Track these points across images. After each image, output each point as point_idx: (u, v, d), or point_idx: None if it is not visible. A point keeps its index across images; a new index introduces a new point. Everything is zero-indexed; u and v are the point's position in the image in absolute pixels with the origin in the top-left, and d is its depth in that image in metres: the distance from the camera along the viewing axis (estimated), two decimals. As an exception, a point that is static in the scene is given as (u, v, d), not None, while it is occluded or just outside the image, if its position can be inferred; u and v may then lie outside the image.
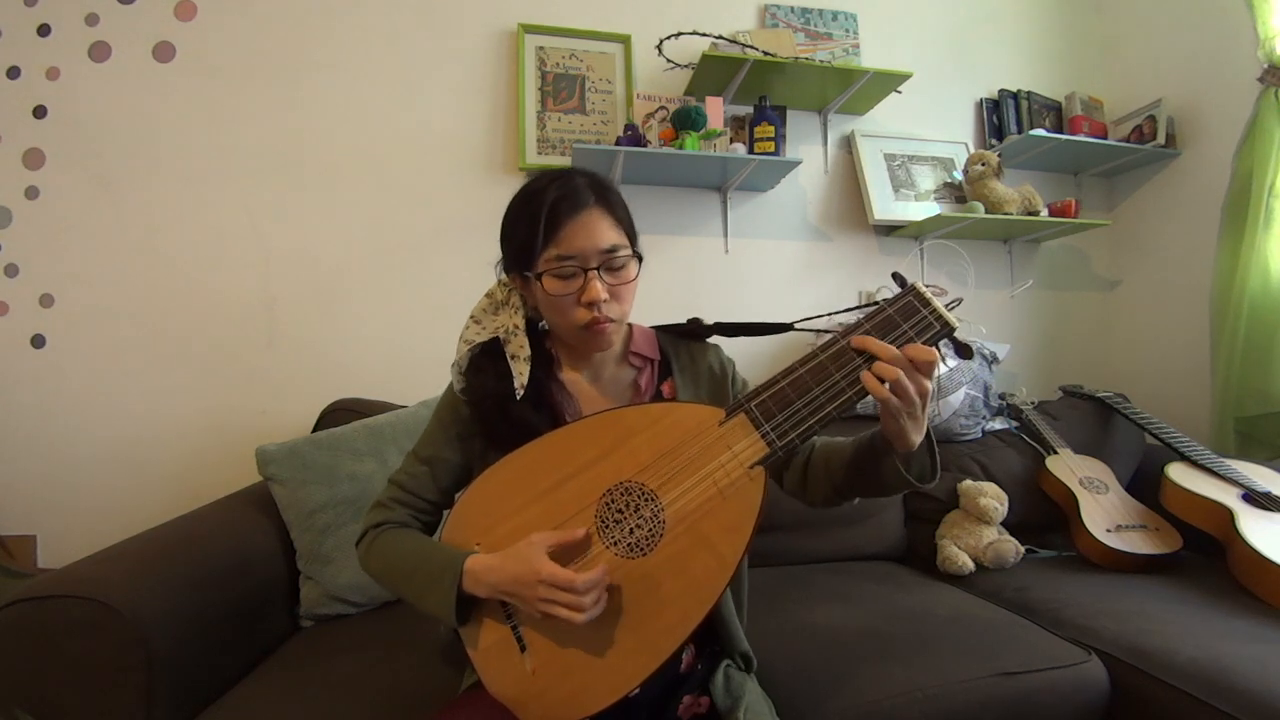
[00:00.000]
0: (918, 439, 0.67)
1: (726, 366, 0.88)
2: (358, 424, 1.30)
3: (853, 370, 0.65)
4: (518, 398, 0.75)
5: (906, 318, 0.65)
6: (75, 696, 0.79)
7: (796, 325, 0.82)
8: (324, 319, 1.61)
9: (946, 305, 0.65)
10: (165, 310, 1.54)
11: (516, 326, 0.79)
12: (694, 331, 0.87)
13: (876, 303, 0.67)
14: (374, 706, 0.86)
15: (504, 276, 0.82)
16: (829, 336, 0.68)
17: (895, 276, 0.69)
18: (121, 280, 1.53)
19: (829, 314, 0.89)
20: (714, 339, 0.89)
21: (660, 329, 0.89)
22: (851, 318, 0.71)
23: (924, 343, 0.63)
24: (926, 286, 0.65)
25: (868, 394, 0.64)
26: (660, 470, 0.70)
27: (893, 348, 0.62)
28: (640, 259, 0.77)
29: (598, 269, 0.72)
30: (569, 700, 0.69)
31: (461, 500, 0.77)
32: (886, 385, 0.62)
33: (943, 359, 0.65)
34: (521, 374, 0.76)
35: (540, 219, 0.71)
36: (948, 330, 0.64)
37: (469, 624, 0.74)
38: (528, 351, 0.77)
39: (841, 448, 0.79)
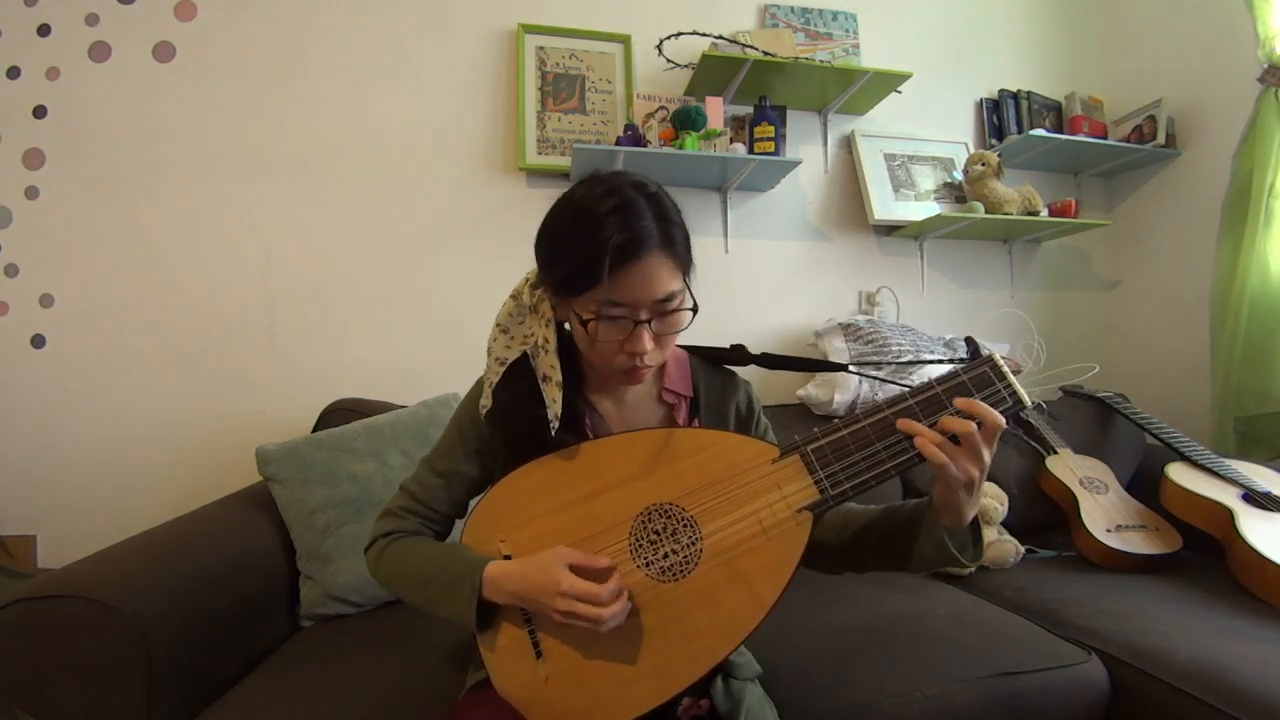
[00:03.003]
0: (970, 514, 0.64)
1: (754, 406, 0.85)
2: (358, 424, 1.30)
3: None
4: (553, 430, 0.70)
5: (980, 388, 0.64)
6: (75, 696, 0.78)
7: (851, 367, 0.80)
8: (324, 319, 1.61)
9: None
10: (165, 310, 1.54)
11: (546, 341, 0.71)
12: (733, 358, 0.82)
13: (951, 359, 0.66)
14: (374, 706, 0.86)
15: (532, 277, 0.74)
16: (898, 393, 0.66)
17: (969, 341, 0.68)
18: (122, 280, 1.53)
19: (892, 362, 0.87)
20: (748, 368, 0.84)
21: (694, 351, 0.85)
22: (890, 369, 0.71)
23: None
24: (1003, 359, 0.64)
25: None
26: (703, 498, 0.68)
27: (970, 425, 0.60)
28: (695, 309, 0.71)
29: (649, 320, 0.67)
30: (579, 714, 0.68)
31: (492, 492, 0.74)
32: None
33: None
34: (555, 401, 0.70)
35: (596, 261, 0.63)
36: (1019, 408, 0.63)
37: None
38: (559, 376, 0.71)
39: (860, 515, 0.75)
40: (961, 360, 0.66)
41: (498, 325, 0.76)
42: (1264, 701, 0.86)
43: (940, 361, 0.67)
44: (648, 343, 0.67)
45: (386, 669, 0.95)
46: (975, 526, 0.68)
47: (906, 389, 0.66)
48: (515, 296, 0.75)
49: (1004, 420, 0.61)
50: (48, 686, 0.78)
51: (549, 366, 0.71)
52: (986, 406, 0.61)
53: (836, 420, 0.67)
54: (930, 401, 0.64)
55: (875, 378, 0.86)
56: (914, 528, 0.69)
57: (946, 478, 0.62)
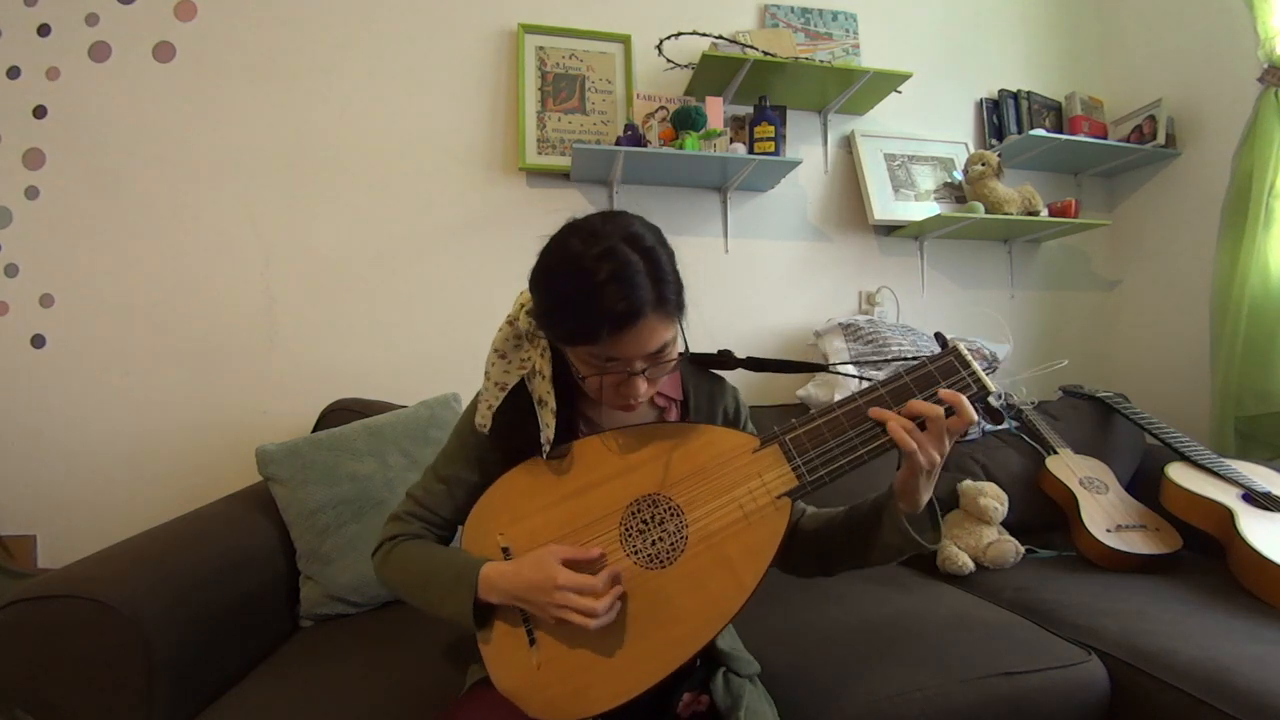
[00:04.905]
0: (925, 498, 0.69)
1: (741, 411, 0.88)
2: (358, 424, 1.30)
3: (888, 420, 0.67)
4: (544, 454, 0.74)
5: (945, 376, 0.67)
6: (75, 696, 0.78)
7: (831, 367, 0.83)
8: (324, 319, 1.61)
9: (984, 369, 0.67)
10: (165, 310, 1.54)
11: (543, 369, 0.74)
12: (721, 363, 0.85)
13: (918, 358, 0.69)
14: (374, 706, 0.86)
15: (527, 303, 0.75)
16: (869, 384, 0.70)
17: (938, 336, 0.72)
18: (121, 280, 1.53)
19: (868, 360, 0.91)
20: (737, 370, 0.86)
21: (684, 358, 0.86)
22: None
23: None
24: (968, 349, 0.67)
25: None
26: (688, 488, 0.71)
27: (933, 406, 0.64)
28: (685, 352, 0.74)
29: (643, 370, 0.69)
30: (571, 698, 0.69)
31: (490, 490, 0.78)
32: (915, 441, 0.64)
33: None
34: (549, 426, 0.73)
35: (593, 327, 0.64)
36: (984, 394, 0.66)
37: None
38: (554, 402, 0.74)
39: (831, 516, 0.79)
40: (933, 355, 0.70)
41: (495, 350, 0.77)
42: (1264, 701, 0.86)
43: (914, 358, 0.69)
44: (642, 387, 0.70)
45: (386, 669, 0.95)
46: (931, 510, 0.72)
47: (878, 381, 0.69)
48: (511, 323, 0.76)
49: (975, 415, 0.64)
50: (48, 686, 0.78)
51: (544, 392, 0.74)
52: (965, 400, 0.64)
53: (813, 411, 0.71)
54: (899, 391, 0.68)
55: (852, 375, 0.89)
56: (876, 519, 0.73)
57: (912, 462, 0.65)
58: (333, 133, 1.63)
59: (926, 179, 1.94)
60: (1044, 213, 1.87)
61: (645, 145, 1.60)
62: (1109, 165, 2.07)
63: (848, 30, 1.93)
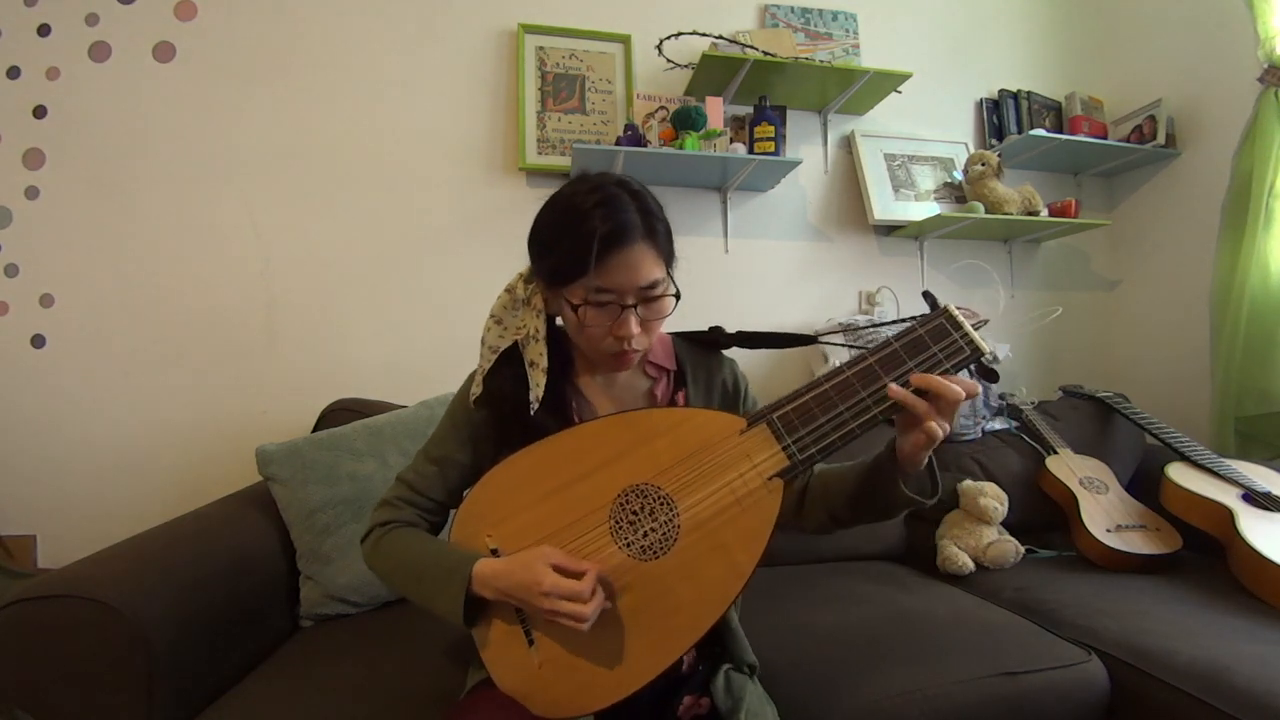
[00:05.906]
0: (925, 458, 0.68)
1: (740, 383, 0.88)
2: (358, 424, 1.30)
3: (879, 390, 0.65)
4: (533, 410, 0.74)
5: (937, 340, 0.65)
6: (75, 696, 0.78)
7: (820, 337, 0.82)
8: (324, 319, 1.61)
9: (974, 327, 0.65)
10: (165, 310, 1.54)
11: (537, 331, 0.76)
12: (713, 340, 0.86)
13: (908, 318, 0.67)
14: (374, 706, 0.86)
15: (526, 273, 0.78)
16: (856, 354, 0.68)
17: (926, 296, 0.70)
18: (121, 280, 1.53)
19: (856, 328, 0.89)
20: (731, 349, 0.88)
21: (678, 335, 0.88)
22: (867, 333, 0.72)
23: (952, 366, 0.64)
24: (958, 309, 0.65)
25: (894, 413, 0.65)
26: (678, 475, 0.70)
27: (953, 387, 0.62)
28: (678, 295, 0.75)
29: (635, 305, 0.71)
30: (574, 695, 0.69)
31: (475, 490, 0.76)
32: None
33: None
34: (538, 385, 0.74)
35: (583, 250, 0.67)
36: (977, 355, 0.64)
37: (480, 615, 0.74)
38: (545, 362, 0.75)
39: (840, 472, 0.79)
40: (922, 318, 0.67)
41: (492, 316, 0.80)
42: (1264, 701, 0.86)
43: (905, 320, 0.68)
44: (634, 326, 0.71)
45: (386, 669, 0.95)
46: (930, 468, 0.72)
47: (866, 350, 0.67)
48: (509, 290, 0.79)
49: (962, 394, 0.63)
50: (47, 687, 0.78)
51: (536, 354, 0.75)
52: (941, 381, 0.63)
53: (801, 387, 0.69)
54: (890, 358, 0.66)
55: (842, 345, 0.88)
56: (876, 479, 0.73)
57: (928, 434, 0.63)
58: (333, 133, 1.63)
59: (926, 179, 1.94)
60: (1044, 213, 1.87)
61: (645, 145, 1.60)
62: (1109, 165, 2.07)
63: (848, 30, 1.93)
